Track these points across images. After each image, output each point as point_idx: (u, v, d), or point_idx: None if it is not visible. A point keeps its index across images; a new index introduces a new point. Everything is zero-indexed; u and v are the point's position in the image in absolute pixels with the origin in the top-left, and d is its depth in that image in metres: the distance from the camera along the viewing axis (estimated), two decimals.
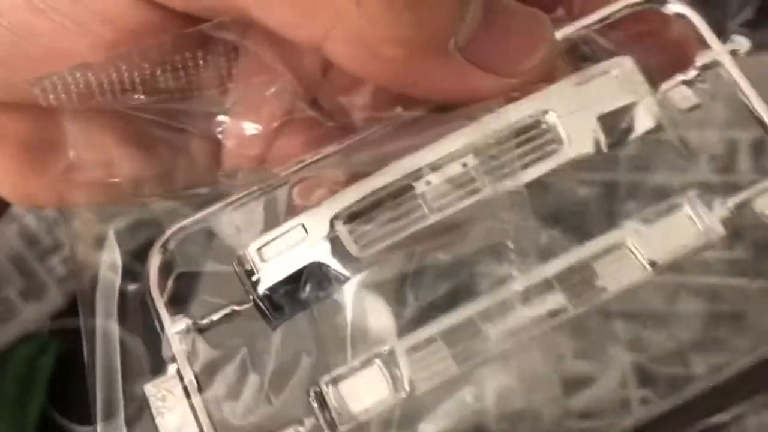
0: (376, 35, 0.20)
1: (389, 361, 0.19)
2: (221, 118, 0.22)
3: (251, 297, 0.20)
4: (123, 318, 0.53)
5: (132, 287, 0.55)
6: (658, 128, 0.21)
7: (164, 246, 0.22)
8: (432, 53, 0.20)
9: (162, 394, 0.21)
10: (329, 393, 0.19)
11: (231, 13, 0.21)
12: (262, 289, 0.20)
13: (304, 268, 0.19)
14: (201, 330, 0.21)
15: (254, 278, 0.20)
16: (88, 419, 0.50)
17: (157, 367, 0.51)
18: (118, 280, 0.24)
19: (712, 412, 0.21)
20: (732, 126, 0.22)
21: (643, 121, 0.21)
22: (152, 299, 0.22)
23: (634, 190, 0.22)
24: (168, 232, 0.22)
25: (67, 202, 0.24)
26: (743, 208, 0.20)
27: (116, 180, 0.24)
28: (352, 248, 0.19)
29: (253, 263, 0.20)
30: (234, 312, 0.20)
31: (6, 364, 0.53)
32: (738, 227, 0.20)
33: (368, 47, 0.20)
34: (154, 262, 0.22)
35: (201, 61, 0.22)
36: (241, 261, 0.20)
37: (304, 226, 0.20)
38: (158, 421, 0.20)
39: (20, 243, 0.57)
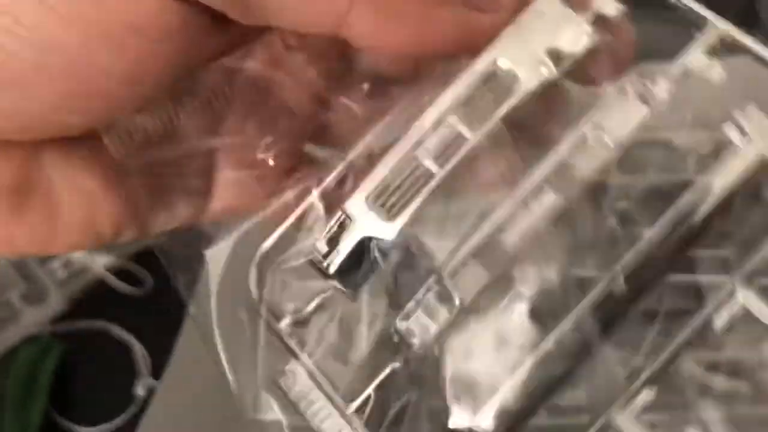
0: None
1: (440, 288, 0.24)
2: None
3: (328, 280, 0.24)
4: (124, 320, 0.56)
5: (133, 290, 0.58)
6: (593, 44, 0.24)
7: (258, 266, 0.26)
8: (441, 2, 0.22)
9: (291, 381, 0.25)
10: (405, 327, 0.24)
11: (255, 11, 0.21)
12: (333, 271, 0.24)
13: (359, 244, 0.24)
14: (300, 323, 0.25)
15: (325, 265, 0.24)
16: (89, 420, 0.53)
17: (158, 368, 0.54)
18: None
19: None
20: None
21: (579, 42, 0.24)
22: (268, 322, 0.25)
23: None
24: (257, 255, 0.26)
25: (47, 248, 0.24)
26: (683, 78, 0.24)
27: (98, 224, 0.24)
28: (385, 217, 0.24)
29: (321, 254, 0.24)
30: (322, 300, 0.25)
31: (8, 367, 0.54)
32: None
33: (389, 8, 0.22)
34: (256, 283, 0.26)
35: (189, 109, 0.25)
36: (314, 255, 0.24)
37: (347, 213, 0.24)
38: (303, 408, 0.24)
39: None
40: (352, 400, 0.24)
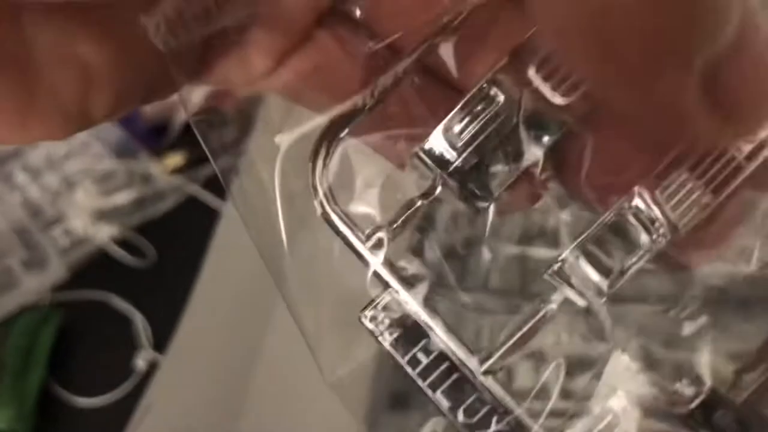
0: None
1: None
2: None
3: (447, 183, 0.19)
4: (126, 291, 0.55)
5: (137, 262, 0.57)
6: None
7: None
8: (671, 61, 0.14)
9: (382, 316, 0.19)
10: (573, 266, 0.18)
11: None
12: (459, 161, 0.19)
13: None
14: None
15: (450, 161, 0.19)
16: (88, 391, 0.53)
17: (159, 341, 0.53)
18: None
19: None
20: None
21: None
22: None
23: None
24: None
25: (31, 130, 0.18)
26: None
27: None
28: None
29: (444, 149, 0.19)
30: (418, 207, 0.20)
31: (7, 335, 0.54)
32: None
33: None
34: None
35: None
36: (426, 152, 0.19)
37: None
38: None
39: (23, 213, 0.57)
40: None
